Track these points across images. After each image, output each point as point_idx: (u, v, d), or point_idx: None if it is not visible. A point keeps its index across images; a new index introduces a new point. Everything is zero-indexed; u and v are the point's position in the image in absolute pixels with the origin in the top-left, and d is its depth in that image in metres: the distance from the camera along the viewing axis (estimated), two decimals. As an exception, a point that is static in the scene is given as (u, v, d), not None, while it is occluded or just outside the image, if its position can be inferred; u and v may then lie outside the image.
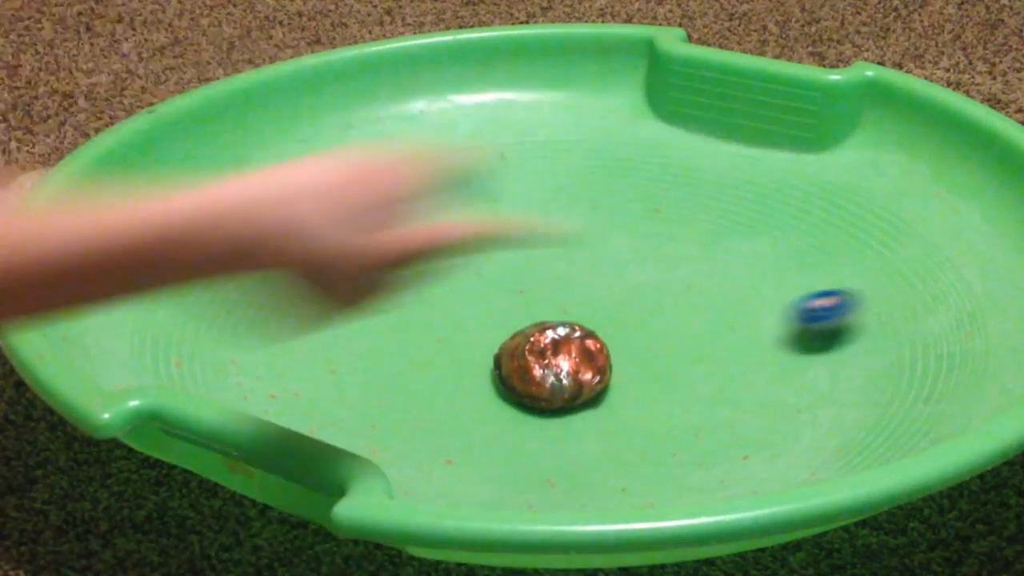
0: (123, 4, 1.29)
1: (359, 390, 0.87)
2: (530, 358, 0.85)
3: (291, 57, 1.20)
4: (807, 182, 0.96)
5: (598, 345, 0.86)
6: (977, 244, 0.89)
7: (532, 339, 0.85)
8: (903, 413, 0.81)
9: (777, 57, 1.19)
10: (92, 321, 0.85)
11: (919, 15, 1.24)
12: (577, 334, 0.86)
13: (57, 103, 1.16)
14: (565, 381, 0.84)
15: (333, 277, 0.61)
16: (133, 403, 0.73)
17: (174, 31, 1.25)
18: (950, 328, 0.85)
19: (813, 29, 1.23)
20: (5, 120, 1.14)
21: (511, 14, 1.26)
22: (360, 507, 0.67)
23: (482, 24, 1.25)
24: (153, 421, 0.73)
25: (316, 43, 1.23)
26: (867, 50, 1.20)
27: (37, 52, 1.23)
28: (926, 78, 1.14)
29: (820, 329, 0.88)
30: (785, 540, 0.78)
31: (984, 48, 1.20)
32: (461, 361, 0.89)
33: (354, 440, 0.82)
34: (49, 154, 1.10)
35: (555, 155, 1.00)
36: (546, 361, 0.85)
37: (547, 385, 0.84)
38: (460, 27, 1.24)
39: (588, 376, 0.85)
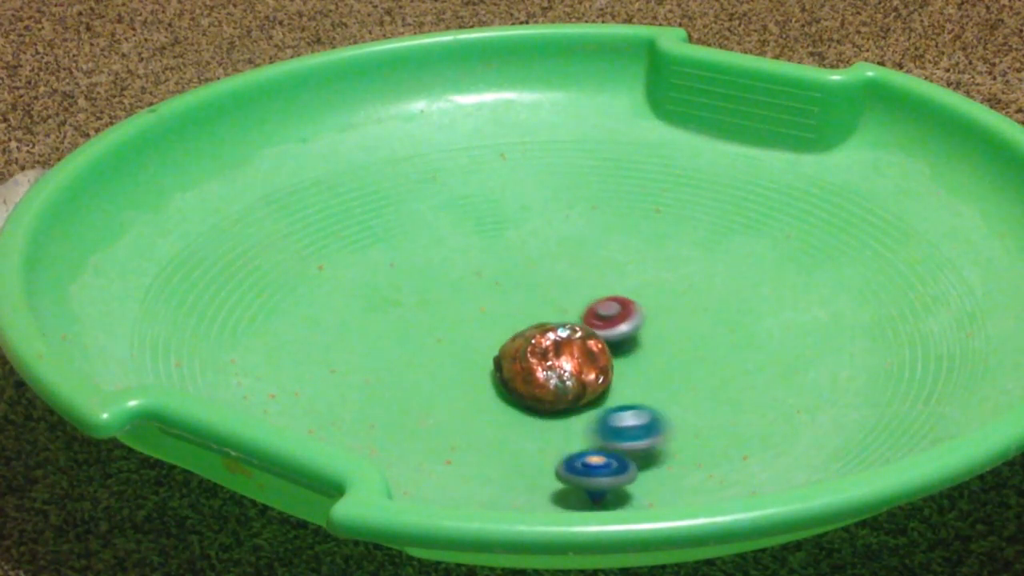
0: (123, 4, 1.29)
1: (359, 390, 0.87)
2: (532, 360, 0.85)
3: (291, 57, 1.20)
4: (807, 182, 0.96)
5: (599, 346, 0.86)
6: (977, 244, 0.89)
7: (533, 341, 0.85)
8: (903, 414, 0.81)
9: (777, 57, 1.19)
10: (92, 321, 0.85)
11: (919, 15, 1.24)
12: (578, 335, 0.86)
13: (57, 103, 1.16)
14: (568, 382, 0.84)
15: None
16: (133, 403, 0.73)
17: (174, 31, 1.25)
18: (950, 329, 0.85)
19: (813, 29, 1.23)
20: (5, 120, 1.14)
21: (511, 14, 1.26)
22: (359, 507, 0.67)
23: (482, 24, 1.25)
24: (153, 421, 0.73)
25: (316, 43, 1.23)
26: (867, 50, 1.20)
27: (37, 52, 1.23)
28: (926, 78, 1.14)
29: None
30: (785, 541, 0.78)
31: (984, 48, 1.20)
32: (461, 361, 0.89)
33: (354, 440, 0.83)
34: (49, 154, 1.10)
35: (555, 155, 1.00)
36: (548, 363, 0.85)
37: (551, 387, 0.84)
38: (460, 27, 1.24)
39: (591, 377, 0.85)
